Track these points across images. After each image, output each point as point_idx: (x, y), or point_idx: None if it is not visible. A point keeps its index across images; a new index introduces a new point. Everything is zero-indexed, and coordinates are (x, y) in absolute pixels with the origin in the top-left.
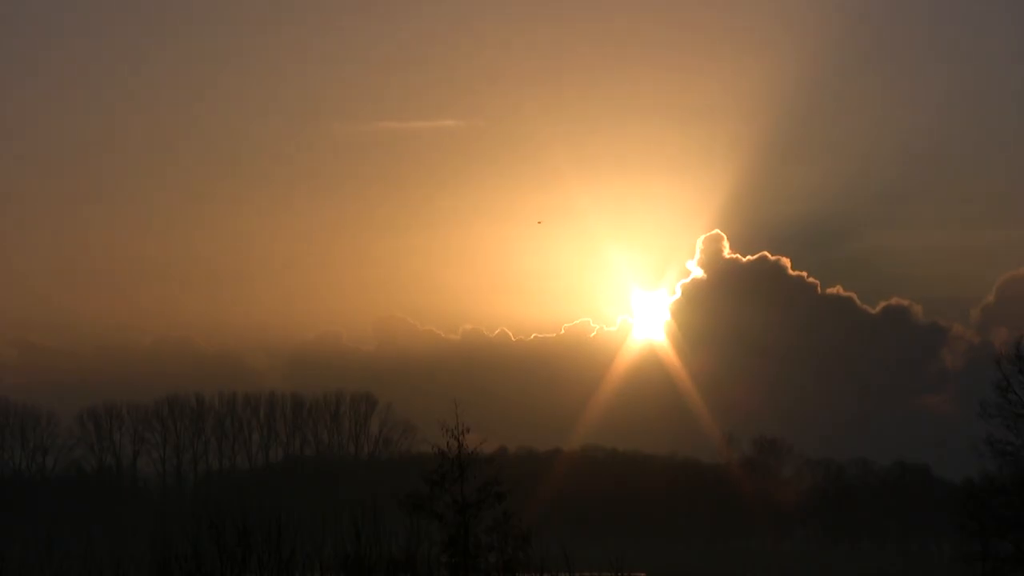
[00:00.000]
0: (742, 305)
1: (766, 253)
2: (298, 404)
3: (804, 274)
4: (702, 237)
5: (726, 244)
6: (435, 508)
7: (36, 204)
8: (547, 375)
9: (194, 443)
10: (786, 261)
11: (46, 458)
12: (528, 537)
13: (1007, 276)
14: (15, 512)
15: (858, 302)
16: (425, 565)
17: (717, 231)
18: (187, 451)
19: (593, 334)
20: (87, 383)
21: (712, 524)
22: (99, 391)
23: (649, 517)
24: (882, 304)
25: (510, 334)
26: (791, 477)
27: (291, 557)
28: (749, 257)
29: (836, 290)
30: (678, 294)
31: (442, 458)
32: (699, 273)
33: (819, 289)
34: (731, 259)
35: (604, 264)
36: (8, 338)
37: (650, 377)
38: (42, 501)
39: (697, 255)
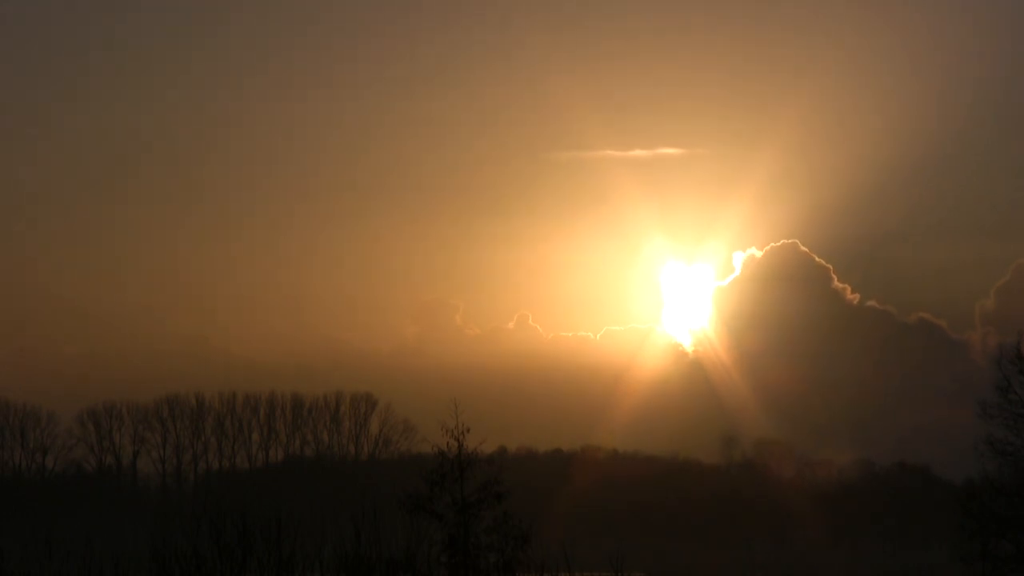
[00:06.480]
0: (773, 313)
1: (802, 260)
2: (298, 404)
3: (851, 290)
4: (744, 254)
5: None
6: (435, 508)
7: (48, 205)
8: (571, 376)
9: (194, 443)
10: (830, 272)
11: (46, 458)
12: (528, 537)
13: (1006, 275)
14: (15, 512)
15: (893, 313)
16: (425, 565)
17: (755, 250)
18: (187, 451)
19: (620, 338)
20: (87, 383)
21: (712, 524)
22: (99, 391)
23: (649, 517)
24: (894, 313)
25: (539, 328)
26: (792, 477)
27: (291, 557)
28: (783, 265)
29: (872, 303)
30: (711, 302)
31: (442, 458)
32: (733, 281)
33: (858, 301)
34: (765, 269)
35: (640, 271)
36: (9, 337)
37: (677, 381)
38: (42, 501)
39: (737, 268)
